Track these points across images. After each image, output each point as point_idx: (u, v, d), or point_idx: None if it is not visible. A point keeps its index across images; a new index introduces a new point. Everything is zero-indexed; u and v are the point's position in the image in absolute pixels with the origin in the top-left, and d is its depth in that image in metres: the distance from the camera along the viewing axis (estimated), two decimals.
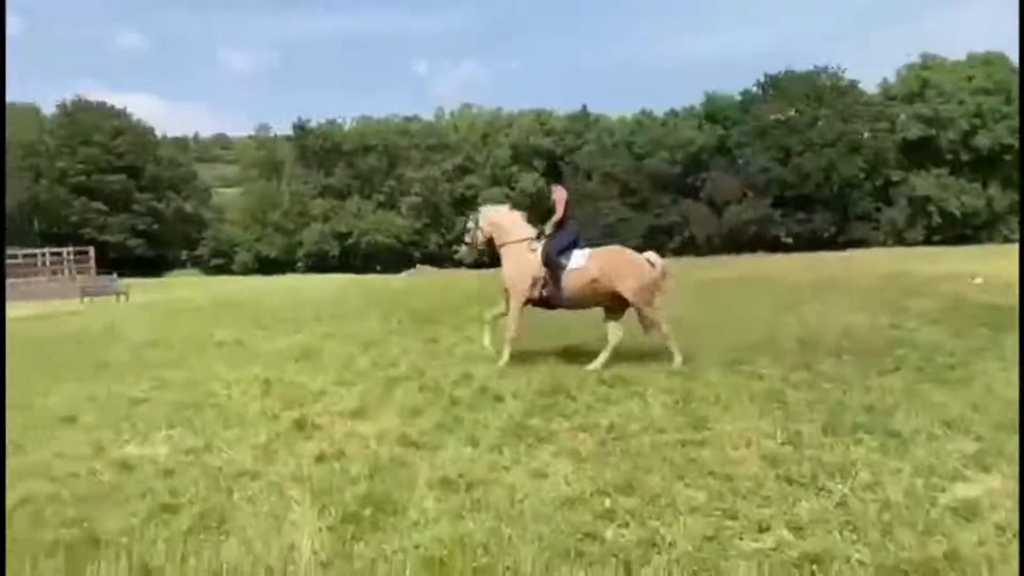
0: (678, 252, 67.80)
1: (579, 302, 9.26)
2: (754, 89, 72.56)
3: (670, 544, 3.92)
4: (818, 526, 4.10)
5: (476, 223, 9.94)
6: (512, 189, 78.19)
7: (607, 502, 4.49)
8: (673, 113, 77.15)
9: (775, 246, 62.92)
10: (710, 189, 69.86)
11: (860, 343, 9.51)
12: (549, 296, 9.18)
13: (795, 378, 7.63)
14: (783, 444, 5.51)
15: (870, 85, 70.24)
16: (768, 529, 4.10)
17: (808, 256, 40.08)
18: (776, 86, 70.56)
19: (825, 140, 64.72)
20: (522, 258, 9.30)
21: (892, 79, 69.45)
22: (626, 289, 8.90)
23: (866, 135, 65.39)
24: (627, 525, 4.18)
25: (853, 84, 68.84)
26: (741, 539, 4.01)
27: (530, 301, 9.28)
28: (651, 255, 9.44)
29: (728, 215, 68.14)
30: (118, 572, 3.69)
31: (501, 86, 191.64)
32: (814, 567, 3.66)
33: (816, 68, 69.57)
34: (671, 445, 5.57)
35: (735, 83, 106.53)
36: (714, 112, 73.39)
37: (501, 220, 9.81)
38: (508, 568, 3.66)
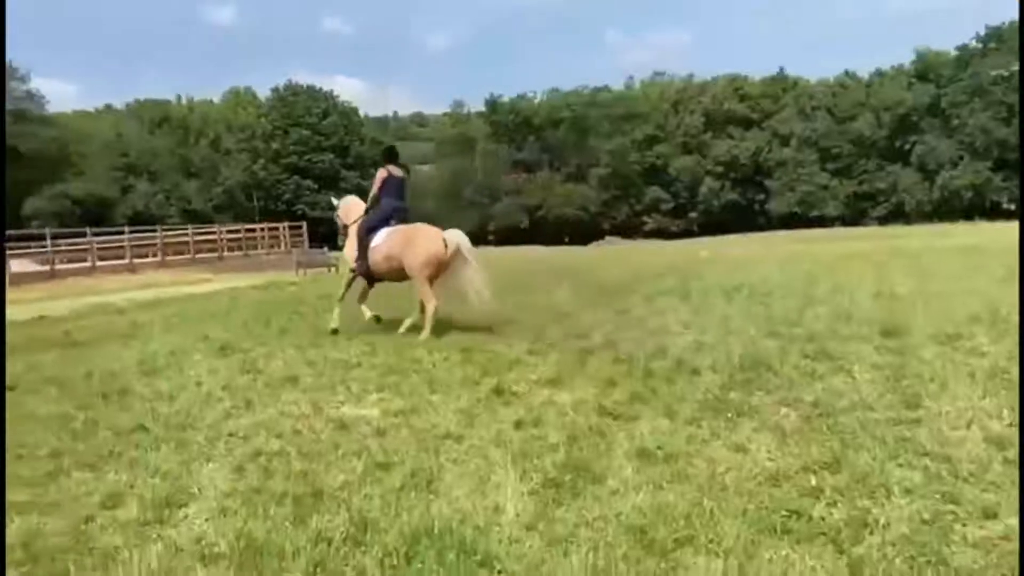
0: (883, 220, 63.91)
1: (385, 275, 10.30)
2: (972, 43, 66.51)
3: (884, 525, 3.73)
4: None
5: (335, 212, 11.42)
6: (704, 157, 76.34)
7: (813, 479, 4.34)
8: (879, 73, 72.26)
9: (994, 213, 57.82)
10: (921, 153, 65.02)
11: None
12: (363, 271, 10.38)
13: None
14: (1010, 425, 5.09)
15: None
16: (995, 516, 3.82)
17: None
18: (998, 38, 64.32)
19: None
20: (352, 237, 10.53)
21: None
22: (407, 264, 9.82)
23: None
24: (835, 504, 4.03)
25: None
26: (965, 525, 3.75)
27: (359, 274, 10.50)
28: (448, 233, 9.99)
29: (941, 180, 63.23)
30: (339, 523, 3.96)
31: (693, 53, 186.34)
32: None
33: None
34: (881, 423, 5.29)
35: (950, 38, 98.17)
36: (926, 70, 68.11)
37: (347, 207, 11.14)
38: (711, 540, 3.63)
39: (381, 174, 10.49)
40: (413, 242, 9.89)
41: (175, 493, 4.47)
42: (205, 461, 5.07)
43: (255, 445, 5.33)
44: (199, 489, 4.54)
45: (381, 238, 10.12)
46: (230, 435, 5.62)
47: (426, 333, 9.57)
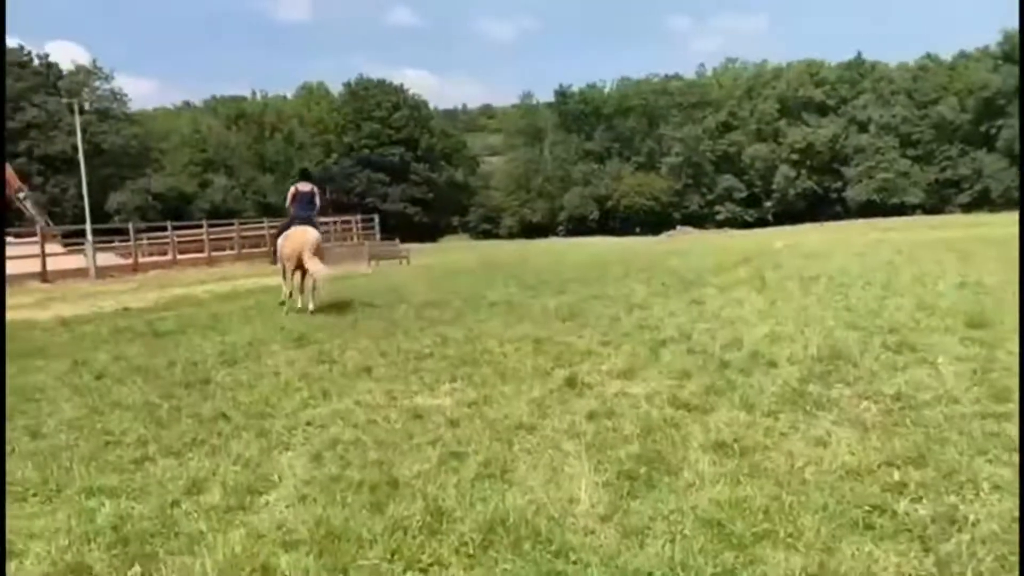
0: (968, 208, 61.76)
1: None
2: None
3: (973, 523, 3.60)
4: None
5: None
6: (778, 144, 74.84)
7: (896, 474, 4.21)
8: (963, 55, 69.70)
9: None
10: (1007, 137, 62.54)
11: None
12: (275, 262, 14.07)
13: None
14: None
15: None
16: None
17: None
18: None
19: None
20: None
21: None
22: (281, 256, 13.05)
23: None
24: (920, 500, 3.90)
25: None
26: None
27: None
28: (307, 234, 12.69)
29: None
30: (415, 511, 4.00)
31: (766, 38, 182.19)
32: None
33: None
34: (968, 417, 5.11)
35: None
36: (1013, 51, 65.29)
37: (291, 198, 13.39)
38: (790, 535, 3.55)
39: (292, 191, 13.31)
40: (286, 241, 12.76)
41: (256, 480, 4.57)
42: (284, 449, 5.18)
43: (332, 434, 5.42)
44: (279, 477, 4.63)
45: (281, 239, 13.06)
46: (308, 424, 5.73)
47: (299, 305, 12.54)
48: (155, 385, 7.28)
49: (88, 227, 28.74)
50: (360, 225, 43.60)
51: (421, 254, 33.30)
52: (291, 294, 13.01)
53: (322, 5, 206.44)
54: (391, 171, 76.05)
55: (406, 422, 5.67)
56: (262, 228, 38.55)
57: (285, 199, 13.46)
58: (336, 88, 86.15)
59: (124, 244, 31.60)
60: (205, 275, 24.03)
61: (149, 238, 34.66)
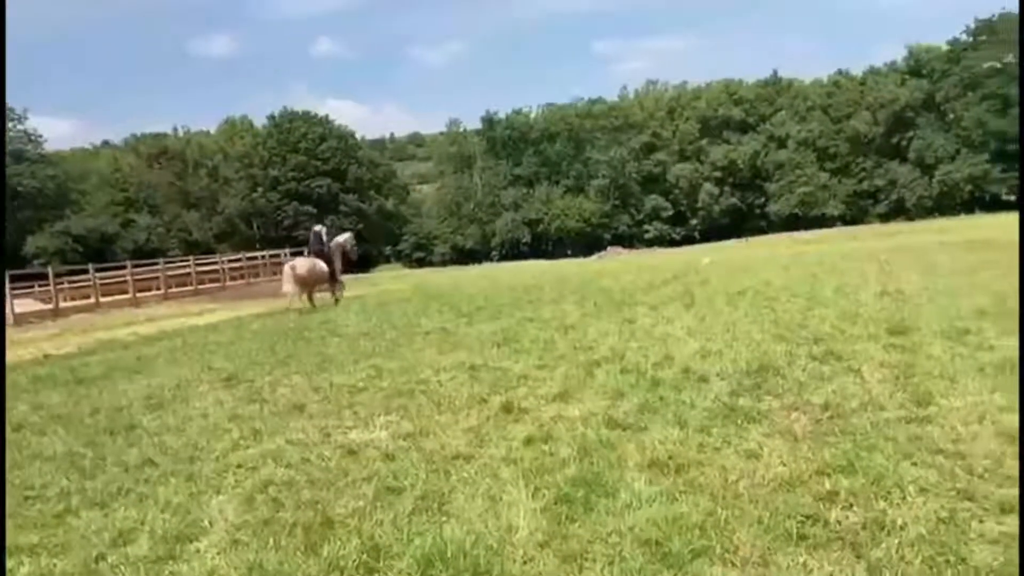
0: (885, 217, 63.86)
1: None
2: (963, 36, 66.66)
3: (901, 527, 3.69)
4: None
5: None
6: (701, 163, 76.48)
7: (827, 483, 4.29)
8: (872, 71, 72.44)
9: (995, 205, 57.79)
10: (918, 148, 65.11)
11: None
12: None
13: None
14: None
15: None
16: (1012, 510, 3.77)
17: None
18: (989, 31, 64.47)
19: None
20: None
21: None
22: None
23: None
24: (851, 507, 3.98)
25: None
26: (982, 522, 3.71)
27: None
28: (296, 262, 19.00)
29: (939, 175, 63.28)
30: (351, 551, 3.92)
31: (686, 59, 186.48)
32: None
33: None
34: (893, 423, 5.25)
35: (941, 32, 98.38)
36: (918, 65, 68.24)
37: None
38: (727, 551, 3.58)
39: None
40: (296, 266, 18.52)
41: (185, 527, 4.44)
42: (214, 493, 5.03)
43: (264, 475, 5.30)
44: (209, 522, 4.50)
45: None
46: (238, 466, 5.59)
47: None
48: (78, 434, 7.02)
49: (4, 273, 27.69)
50: (290, 259, 43.00)
51: (354, 285, 32.90)
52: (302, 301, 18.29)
53: (243, 39, 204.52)
54: (319, 203, 75.28)
55: (340, 459, 5.57)
56: (188, 266, 37.72)
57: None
58: (260, 121, 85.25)
59: (44, 289, 30.50)
60: (130, 317, 23.34)
61: (70, 282, 33.53)
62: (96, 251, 66.85)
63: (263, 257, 43.43)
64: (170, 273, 35.83)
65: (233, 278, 38.63)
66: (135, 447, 6.37)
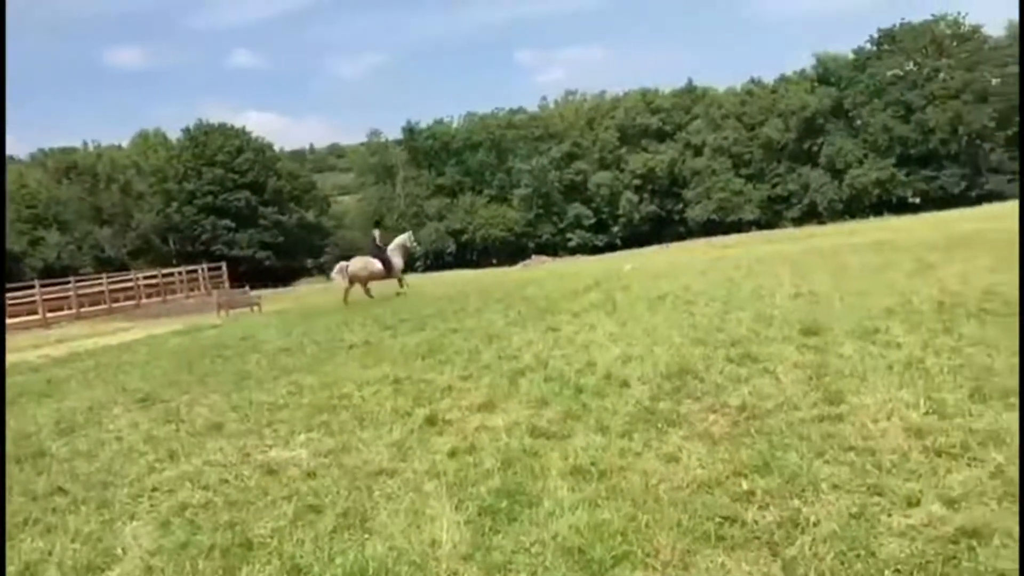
0: (798, 221, 65.71)
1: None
2: (867, 46, 69.31)
3: (814, 524, 3.80)
4: (973, 498, 3.89)
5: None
6: (621, 171, 77.58)
7: (744, 484, 4.39)
8: (783, 79, 74.64)
9: (901, 207, 60.13)
10: (828, 153, 67.28)
11: (1005, 303, 8.93)
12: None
13: (936, 344, 7.26)
14: (927, 414, 5.26)
15: (996, 28, 66.04)
16: (918, 504, 3.92)
17: (939, 215, 38.12)
18: (891, 40, 67.17)
19: (949, 92, 61.27)
20: None
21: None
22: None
23: (995, 82, 61.49)
24: (767, 506, 4.08)
25: (976, 29, 64.78)
26: (890, 515, 3.84)
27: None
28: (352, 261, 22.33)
29: (849, 179, 65.51)
30: (270, 572, 3.84)
31: (604, 69, 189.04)
32: (972, 542, 3.47)
33: (934, 16, 65.80)
34: (807, 422, 5.40)
35: (846, 41, 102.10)
36: (826, 73, 70.55)
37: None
38: (647, 555, 3.63)
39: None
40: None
41: (97, 557, 4.29)
42: (129, 519, 4.88)
43: (180, 498, 5.16)
44: (123, 550, 4.36)
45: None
46: (154, 490, 5.43)
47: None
48: None
49: (4, 274, 26.41)
50: (208, 274, 42.03)
51: (274, 300, 32.32)
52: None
53: (154, 51, 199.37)
54: (237, 216, 73.63)
55: (260, 478, 5.46)
56: (101, 284, 36.51)
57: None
58: (175, 135, 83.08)
59: None
60: (40, 339, 22.47)
61: None
62: (3, 271, 64.12)
63: (180, 273, 42.33)
64: (82, 292, 34.65)
65: (149, 295, 37.58)
66: (44, 475, 6.14)
